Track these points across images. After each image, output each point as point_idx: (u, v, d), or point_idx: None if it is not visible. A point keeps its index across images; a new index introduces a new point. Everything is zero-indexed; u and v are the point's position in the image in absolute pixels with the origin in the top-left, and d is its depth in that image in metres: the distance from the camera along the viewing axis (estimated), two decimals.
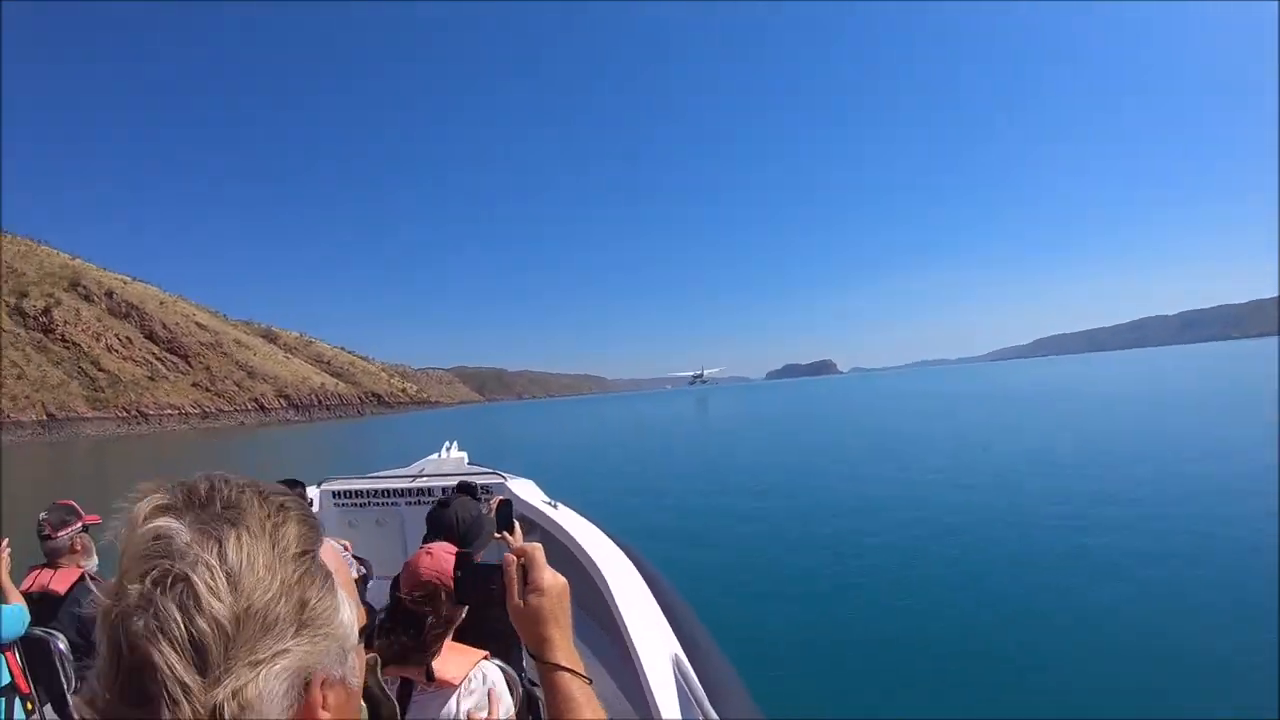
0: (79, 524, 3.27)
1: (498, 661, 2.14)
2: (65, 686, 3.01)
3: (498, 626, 2.12)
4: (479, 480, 4.30)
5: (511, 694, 2.17)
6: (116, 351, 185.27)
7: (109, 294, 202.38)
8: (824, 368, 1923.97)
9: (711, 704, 1.82)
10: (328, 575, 0.59)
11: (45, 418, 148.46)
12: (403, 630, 1.92)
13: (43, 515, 3.24)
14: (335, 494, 4.79)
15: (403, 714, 1.82)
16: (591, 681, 1.05)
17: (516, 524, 2.83)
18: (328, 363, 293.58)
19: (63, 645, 3.04)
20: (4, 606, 2.88)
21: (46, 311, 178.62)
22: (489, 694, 1.90)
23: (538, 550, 1.15)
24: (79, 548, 3.24)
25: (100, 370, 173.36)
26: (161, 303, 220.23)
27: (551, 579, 1.12)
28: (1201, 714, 6.30)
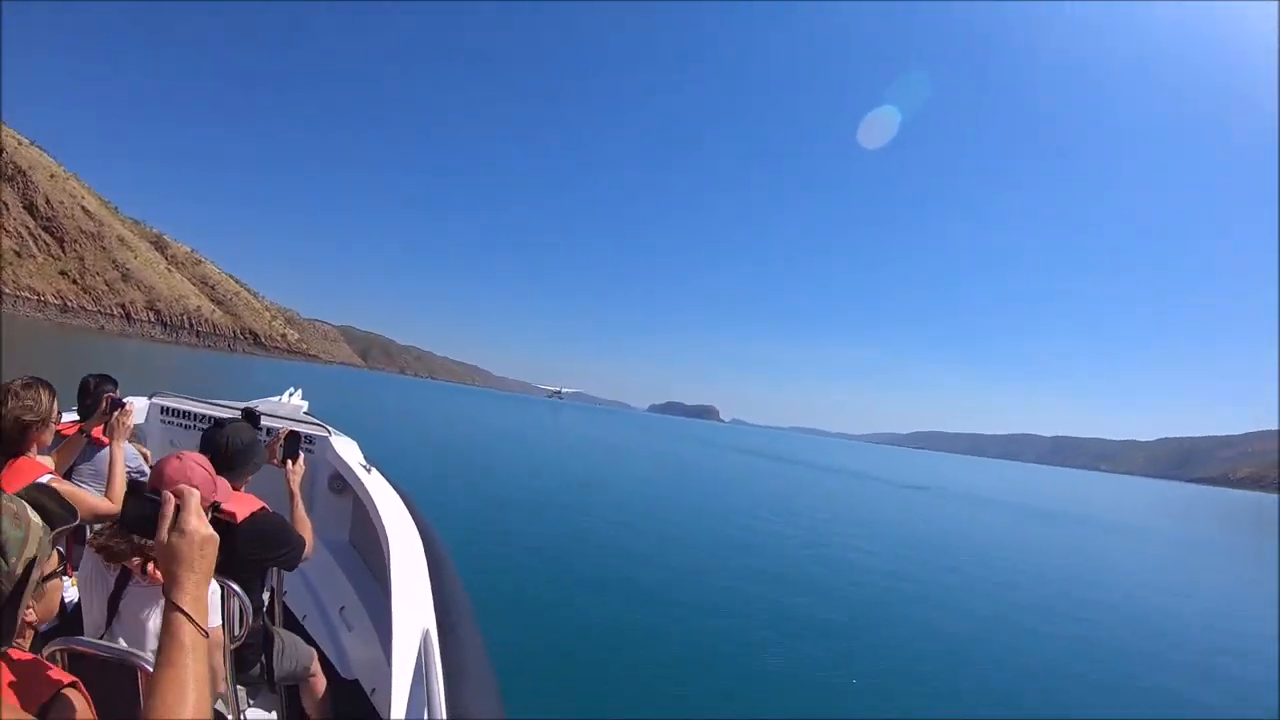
0: None
1: (227, 581, 2.24)
2: None
3: (248, 558, 2.48)
4: (306, 430, 4.52)
5: (240, 621, 2.37)
6: None
7: None
8: (707, 412, 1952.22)
9: (446, 680, 1.89)
10: None
11: None
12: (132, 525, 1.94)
13: None
14: (164, 409, 4.93)
15: (117, 601, 1.99)
16: (207, 635, 1.11)
17: (301, 455, 3.25)
18: (212, 287, 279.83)
19: None
20: None
21: None
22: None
23: (194, 495, 1.22)
24: None
25: None
26: (53, 175, 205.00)
27: (197, 525, 1.18)
28: (1201, 714, 6.83)
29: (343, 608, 3.95)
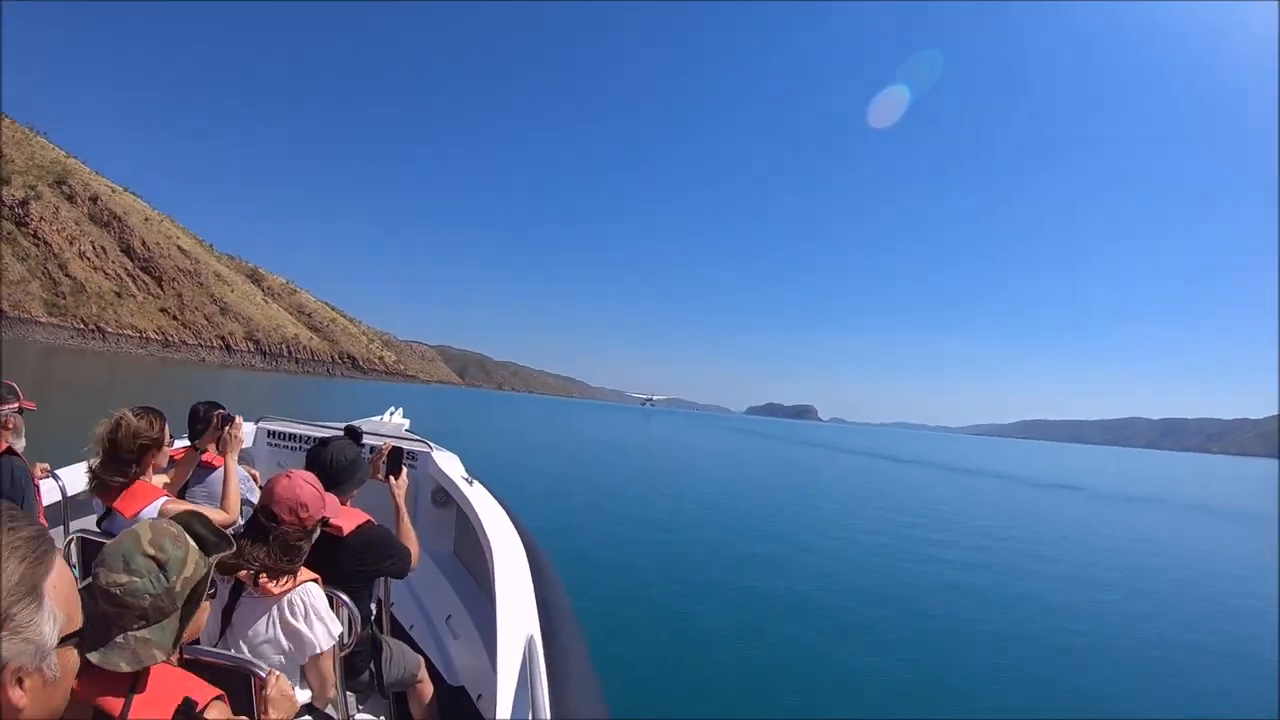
0: (16, 404, 3.27)
1: (336, 591, 2.38)
2: None
3: (355, 570, 2.56)
4: (408, 447, 4.39)
5: (349, 630, 2.41)
6: (88, 260, 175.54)
7: (94, 199, 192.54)
8: (805, 412, 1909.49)
9: (551, 684, 1.94)
10: (38, 597, 0.78)
11: None
12: (248, 540, 2.13)
13: None
14: (270, 433, 5.07)
15: (230, 612, 2.08)
16: None
17: (405, 469, 3.22)
18: (309, 315, 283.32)
19: None
20: None
21: (24, 203, 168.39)
22: (308, 612, 2.09)
23: (285, 686, 1.23)
24: (11, 425, 3.23)
25: (67, 276, 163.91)
26: (147, 219, 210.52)
27: None
28: (1201, 714, 6.31)
29: (449, 616, 4.08)
